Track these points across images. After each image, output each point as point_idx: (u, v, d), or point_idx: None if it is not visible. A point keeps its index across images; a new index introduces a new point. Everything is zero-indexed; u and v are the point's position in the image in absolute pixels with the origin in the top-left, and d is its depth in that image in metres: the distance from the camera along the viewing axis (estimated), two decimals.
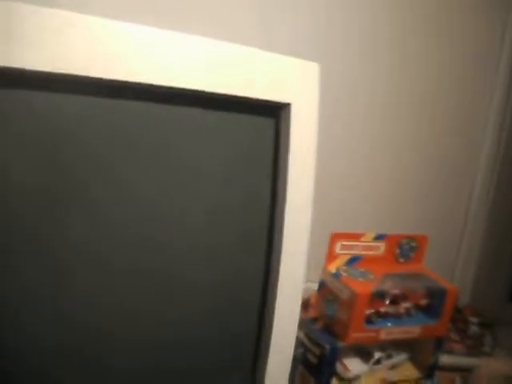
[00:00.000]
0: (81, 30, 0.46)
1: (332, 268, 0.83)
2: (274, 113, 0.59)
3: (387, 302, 0.83)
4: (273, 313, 0.60)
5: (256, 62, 0.57)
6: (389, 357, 0.86)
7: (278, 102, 0.58)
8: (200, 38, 0.53)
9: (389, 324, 0.83)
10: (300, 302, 0.62)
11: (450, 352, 1.04)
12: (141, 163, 0.52)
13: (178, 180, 0.53)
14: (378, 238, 0.86)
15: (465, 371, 0.99)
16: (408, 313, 0.86)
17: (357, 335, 0.79)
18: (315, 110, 0.61)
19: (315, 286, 0.86)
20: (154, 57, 0.50)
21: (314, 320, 0.84)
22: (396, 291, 0.84)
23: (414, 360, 0.89)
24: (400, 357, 0.87)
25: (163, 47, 0.50)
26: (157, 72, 0.50)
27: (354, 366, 0.82)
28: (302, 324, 0.84)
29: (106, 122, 0.50)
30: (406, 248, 0.89)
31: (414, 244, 0.89)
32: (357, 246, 0.85)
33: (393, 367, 0.86)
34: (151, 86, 0.49)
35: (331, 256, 0.83)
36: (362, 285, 0.80)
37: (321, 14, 0.99)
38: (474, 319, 1.13)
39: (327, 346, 0.78)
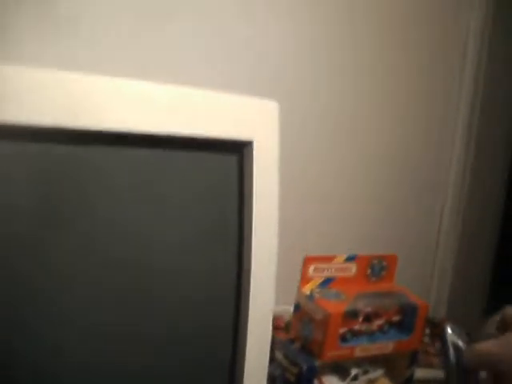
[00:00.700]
0: (51, 85, 0.51)
1: (306, 290, 0.87)
2: (237, 150, 0.64)
3: (360, 320, 0.87)
4: (245, 338, 0.64)
5: (218, 104, 0.62)
6: (365, 373, 0.90)
7: (241, 140, 0.63)
8: (165, 86, 0.58)
9: (363, 341, 0.87)
10: (271, 326, 0.66)
11: (429, 366, 1.08)
12: (111, 203, 0.56)
13: (144, 222, 0.58)
14: (349, 259, 0.90)
15: None
16: (381, 329, 0.90)
17: (332, 353, 0.83)
18: (276, 145, 0.66)
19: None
20: (119, 104, 0.55)
21: (292, 341, 0.88)
22: (368, 309, 0.88)
23: (390, 375, 0.92)
24: (376, 372, 0.91)
25: (126, 95, 0.55)
26: (121, 119, 0.54)
27: (331, 383, 0.86)
28: (281, 345, 0.88)
29: (79, 166, 0.54)
30: (376, 268, 0.93)
31: (384, 263, 0.94)
32: (329, 268, 0.89)
33: (370, 382, 0.90)
34: (116, 132, 0.54)
35: (305, 279, 0.88)
36: (335, 305, 0.84)
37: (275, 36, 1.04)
38: None
39: (304, 365, 0.82)
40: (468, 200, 1.25)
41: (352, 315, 0.87)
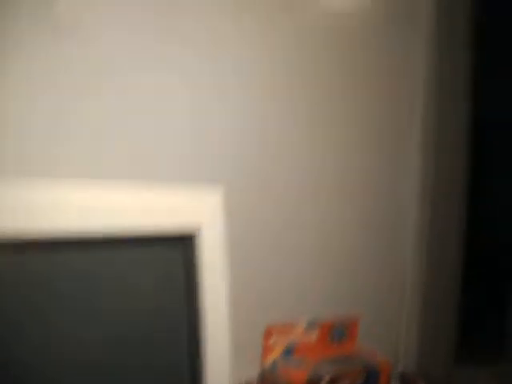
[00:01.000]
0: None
1: (269, 360, 0.90)
2: (184, 242, 0.68)
3: None
4: None
5: (162, 199, 0.66)
6: None
7: (187, 230, 0.68)
8: (109, 189, 0.63)
9: None
10: None
11: None
12: (63, 304, 0.60)
13: (94, 320, 0.61)
14: (310, 326, 0.94)
15: None
16: None
17: None
18: (221, 231, 0.71)
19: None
20: (67, 210, 0.59)
21: None
22: (331, 374, 0.91)
23: None
24: None
25: (71, 200, 0.60)
26: (66, 222, 0.59)
27: None
28: None
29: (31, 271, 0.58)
30: (338, 331, 0.97)
31: (345, 327, 0.97)
32: (290, 336, 0.92)
33: None
34: (66, 236, 0.58)
35: (267, 348, 0.91)
36: (298, 373, 0.87)
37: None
38: None
39: None
40: (429, 254, 1.30)
41: (315, 381, 0.90)
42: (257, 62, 1.09)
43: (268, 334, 0.91)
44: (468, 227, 1.36)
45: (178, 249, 0.68)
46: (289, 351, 0.93)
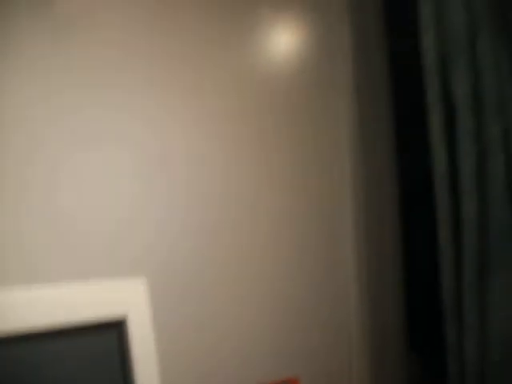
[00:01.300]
0: None
1: None
2: (115, 326, 0.78)
3: None
4: None
5: (91, 292, 0.76)
6: None
7: (115, 317, 0.77)
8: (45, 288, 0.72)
9: None
10: None
11: None
12: None
13: None
14: None
15: None
16: None
17: None
18: (148, 314, 0.80)
19: None
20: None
21: None
22: None
23: None
24: None
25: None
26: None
27: None
28: None
29: None
30: None
31: None
32: None
33: None
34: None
35: None
36: None
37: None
38: None
39: None
40: (372, 307, 1.36)
41: None
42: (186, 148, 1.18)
43: None
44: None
45: (110, 335, 0.77)
46: None
